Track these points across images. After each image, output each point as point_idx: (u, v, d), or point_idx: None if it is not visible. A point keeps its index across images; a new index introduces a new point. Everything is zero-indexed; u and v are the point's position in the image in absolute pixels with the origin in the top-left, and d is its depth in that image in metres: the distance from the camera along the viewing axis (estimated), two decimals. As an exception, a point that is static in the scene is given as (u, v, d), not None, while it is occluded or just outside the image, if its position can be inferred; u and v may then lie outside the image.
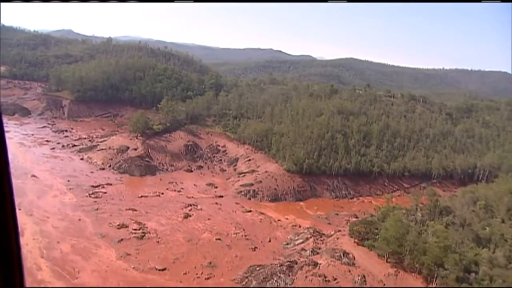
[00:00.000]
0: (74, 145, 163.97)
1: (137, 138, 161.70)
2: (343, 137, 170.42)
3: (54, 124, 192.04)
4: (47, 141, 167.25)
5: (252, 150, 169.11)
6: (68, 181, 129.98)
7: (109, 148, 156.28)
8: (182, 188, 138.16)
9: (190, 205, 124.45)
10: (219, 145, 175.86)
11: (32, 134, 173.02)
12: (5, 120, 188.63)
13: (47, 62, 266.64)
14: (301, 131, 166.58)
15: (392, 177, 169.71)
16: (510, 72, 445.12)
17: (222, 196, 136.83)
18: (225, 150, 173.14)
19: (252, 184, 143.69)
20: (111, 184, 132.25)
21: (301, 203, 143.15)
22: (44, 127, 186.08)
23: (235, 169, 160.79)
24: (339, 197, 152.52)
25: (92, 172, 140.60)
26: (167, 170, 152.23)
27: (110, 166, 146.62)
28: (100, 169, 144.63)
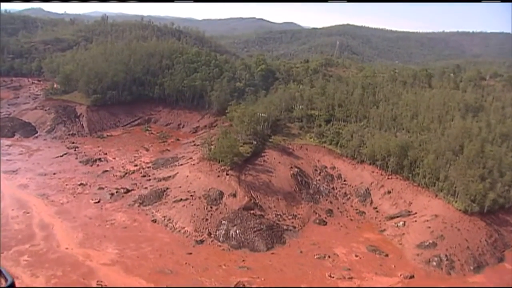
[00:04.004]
0: (127, 190, 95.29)
1: (227, 173, 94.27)
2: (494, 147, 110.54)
3: (77, 147, 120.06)
4: (81, 184, 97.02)
5: (380, 173, 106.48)
6: (168, 289, 63.86)
7: (191, 195, 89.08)
8: (350, 269, 75.10)
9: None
10: (326, 167, 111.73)
11: (54, 174, 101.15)
12: (4, 145, 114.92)
13: (35, 51, 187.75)
14: (447, 144, 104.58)
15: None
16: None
17: (412, 277, 75.70)
18: (340, 175, 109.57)
19: (434, 244, 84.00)
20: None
21: (506, 265, 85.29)
22: (64, 154, 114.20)
23: (376, 210, 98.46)
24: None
25: (189, 254, 74.76)
26: (294, 227, 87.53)
27: (210, 234, 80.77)
28: (198, 241, 79.23)
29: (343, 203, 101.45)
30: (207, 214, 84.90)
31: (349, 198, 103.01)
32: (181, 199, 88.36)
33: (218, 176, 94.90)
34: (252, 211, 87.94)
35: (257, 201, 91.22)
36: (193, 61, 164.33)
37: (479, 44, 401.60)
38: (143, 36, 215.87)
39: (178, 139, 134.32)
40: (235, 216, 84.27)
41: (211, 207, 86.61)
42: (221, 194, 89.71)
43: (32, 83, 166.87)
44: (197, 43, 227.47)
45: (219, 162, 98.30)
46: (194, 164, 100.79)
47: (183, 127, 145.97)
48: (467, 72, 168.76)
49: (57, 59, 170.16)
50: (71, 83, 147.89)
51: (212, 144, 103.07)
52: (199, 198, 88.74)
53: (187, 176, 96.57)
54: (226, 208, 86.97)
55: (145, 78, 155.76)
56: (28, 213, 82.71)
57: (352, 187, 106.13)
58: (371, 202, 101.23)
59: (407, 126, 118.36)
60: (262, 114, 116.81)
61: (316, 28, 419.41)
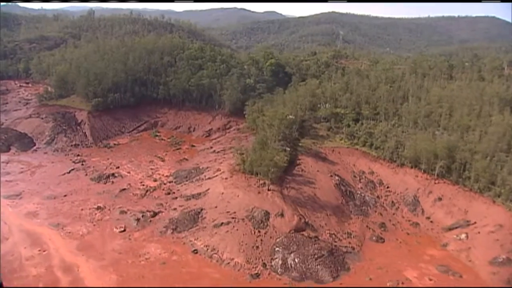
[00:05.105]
0: (154, 213, 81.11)
1: (268, 189, 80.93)
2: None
3: (83, 160, 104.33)
4: (98, 208, 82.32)
5: (425, 178, 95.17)
6: None
7: (233, 217, 77.10)
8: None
9: None
10: (364, 172, 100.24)
11: (64, 195, 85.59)
12: (1, 162, 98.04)
13: (20, 50, 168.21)
14: (494, 143, 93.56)
15: None
16: (499, 17, 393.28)
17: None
18: (381, 181, 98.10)
19: (509, 260, 74.50)
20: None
21: None
22: (72, 170, 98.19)
23: (430, 220, 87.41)
24: None
25: (248, 293, 60.81)
26: (353, 248, 75.33)
27: (265, 264, 67.91)
28: (253, 276, 66.20)
29: (393, 213, 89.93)
30: (256, 240, 71.68)
31: (398, 207, 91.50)
32: (222, 223, 74.65)
33: (259, 192, 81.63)
34: (304, 233, 75.04)
35: (306, 219, 78.44)
36: (197, 57, 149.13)
37: (465, 28, 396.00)
38: (134, 31, 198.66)
39: (193, 145, 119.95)
40: (289, 241, 71.37)
41: (259, 231, 73.40)
42: (267, 214, 76.52)
43: (20, 86, 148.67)
44: (190, 36, 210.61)
45: (256, 175, 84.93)
46: (226, 179, 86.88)
47: (194, 130, 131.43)
48: (484, 60, 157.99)
49: (46, 59, 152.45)
50: (66, 86, 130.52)
51: (243, 153, 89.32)
52: (243, 220, 75.34)
53: (222, 193, 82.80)
54: (275, 231, 73.95)
55: (147, 77, 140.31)
56: (44, 251, 67.73)
57: (398, 194, 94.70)
58: (423, 211, 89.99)
59: (444, 124, 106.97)
60: (290, 116, 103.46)
61: (304, 17, 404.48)
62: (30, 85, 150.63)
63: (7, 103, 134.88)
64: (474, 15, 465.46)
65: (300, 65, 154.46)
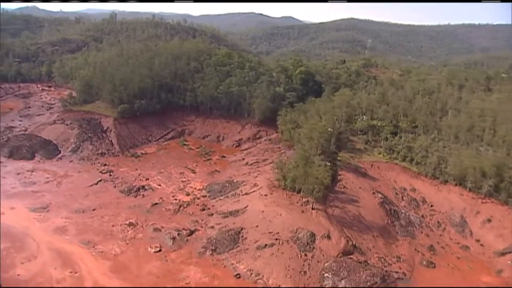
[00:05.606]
0: (190, 232, 77.10)
1: (313, 207, 75.41)
2: None
3: (111, 170, 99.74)
4: (130, 224, 78.36)
5: (472, 197, 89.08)
6: None
7: (276, 239, 70.74)
8: None
9: None
10: (406, 189, 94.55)
11: (93, 209, 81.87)
12: (26, 171, 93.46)
13: (42, 53, 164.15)
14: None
15: None
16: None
17: None
18: (424, 199, 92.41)
19: None
20: None
21: None
22: (99, 182, 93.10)
23: (480, 243, 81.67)
24: None
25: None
26: (404, 274, 69.94)
27: (314, 294, 61.09)
28: (302, 306, 58.75)
29: (440, 235, 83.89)
30: (303, 265, 66.12)
31: (444, 228, 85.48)
32: (265, 245, 69.20)
33: (303, 211, 76.22)
34: (352, 256, 69.33)
35: (354, 242, 72.69)
36: (225, 64, 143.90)
37: (486, 36, 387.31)
38: (157, 34, 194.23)
39: (223, 156, 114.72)
40: (339, 266, 65.61)
41: (305, 255, 67.84)
42: (313, 235, 70.97)
43: (43, 89, 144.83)
44: (213, 41, 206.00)
45: (297, 192, 79.52)
46: (266, 195, 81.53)
47: (223, 139, 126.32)
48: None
49: (68, 62, 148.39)
50: (91, 91, 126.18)
51: (283, 169, 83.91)
52: (287, 242, 69.86)
53: (263, 211, 77.39)
54: (323, 255, 68.32)
55: (174, 83, 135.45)
56: (76, 273, 62.49)
57: (443, 213, 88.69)
58: (471, 233, 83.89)
59: (488, 140, 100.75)
60: (329, 129, 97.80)
61: (323, 23, 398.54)
62: (52, 88, 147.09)
63: (29, 107, 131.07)
64: (494, 23, 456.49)
65: (330, 74, 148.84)
